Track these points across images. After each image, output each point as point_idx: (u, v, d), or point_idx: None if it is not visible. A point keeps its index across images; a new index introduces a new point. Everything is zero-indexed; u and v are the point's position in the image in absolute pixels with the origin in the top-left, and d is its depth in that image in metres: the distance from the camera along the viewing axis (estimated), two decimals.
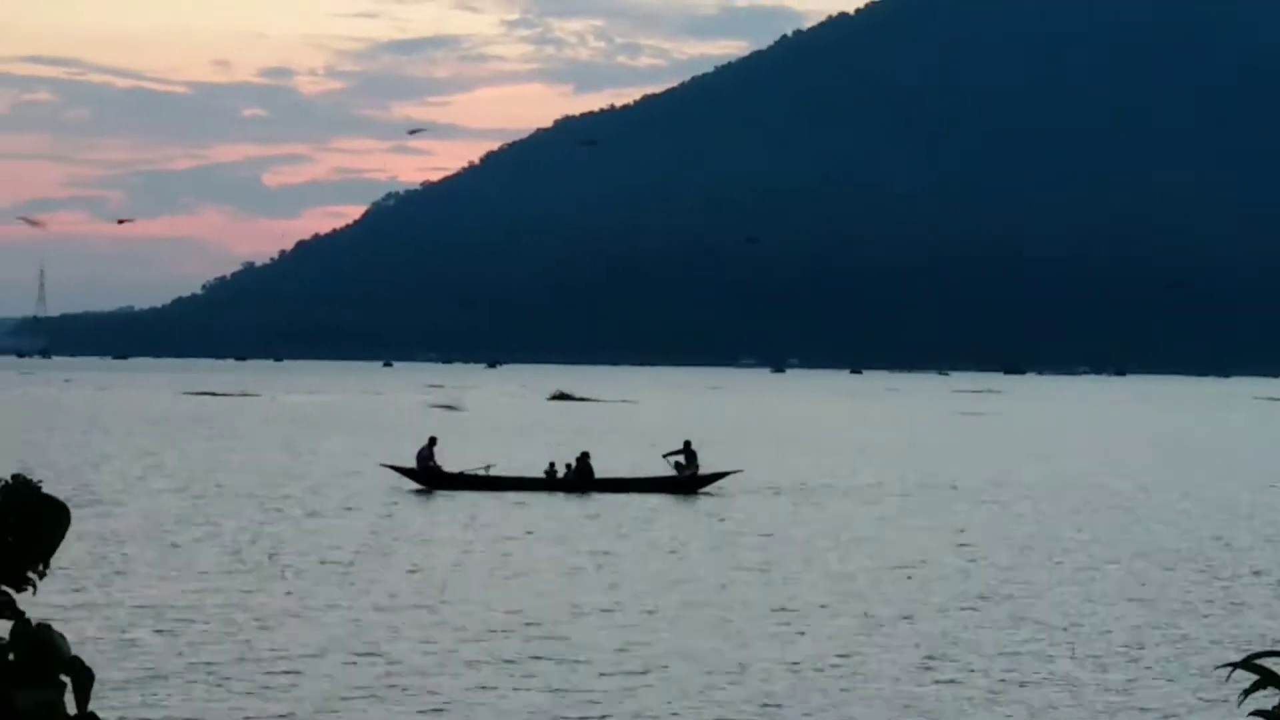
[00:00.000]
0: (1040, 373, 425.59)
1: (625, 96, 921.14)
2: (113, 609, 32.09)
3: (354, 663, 27.43)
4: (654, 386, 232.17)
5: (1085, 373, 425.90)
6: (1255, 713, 4.81)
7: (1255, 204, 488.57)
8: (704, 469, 60.56)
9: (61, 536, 3.70)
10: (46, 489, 3.73)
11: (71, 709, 3.65)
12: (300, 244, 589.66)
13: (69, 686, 3.65)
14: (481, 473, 59.55)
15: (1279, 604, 36.13)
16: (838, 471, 72.79)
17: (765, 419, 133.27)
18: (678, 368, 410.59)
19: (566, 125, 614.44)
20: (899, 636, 30.71)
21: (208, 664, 27.04)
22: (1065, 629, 31.98)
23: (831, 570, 40.10)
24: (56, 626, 3.70)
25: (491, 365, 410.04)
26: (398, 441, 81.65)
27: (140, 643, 28.75)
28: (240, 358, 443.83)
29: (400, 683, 25.95)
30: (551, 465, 60.51)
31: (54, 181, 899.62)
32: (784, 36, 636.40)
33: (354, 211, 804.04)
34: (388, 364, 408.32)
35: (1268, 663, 4.77)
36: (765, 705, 24.91)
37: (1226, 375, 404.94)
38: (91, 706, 3.65)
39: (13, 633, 3.64)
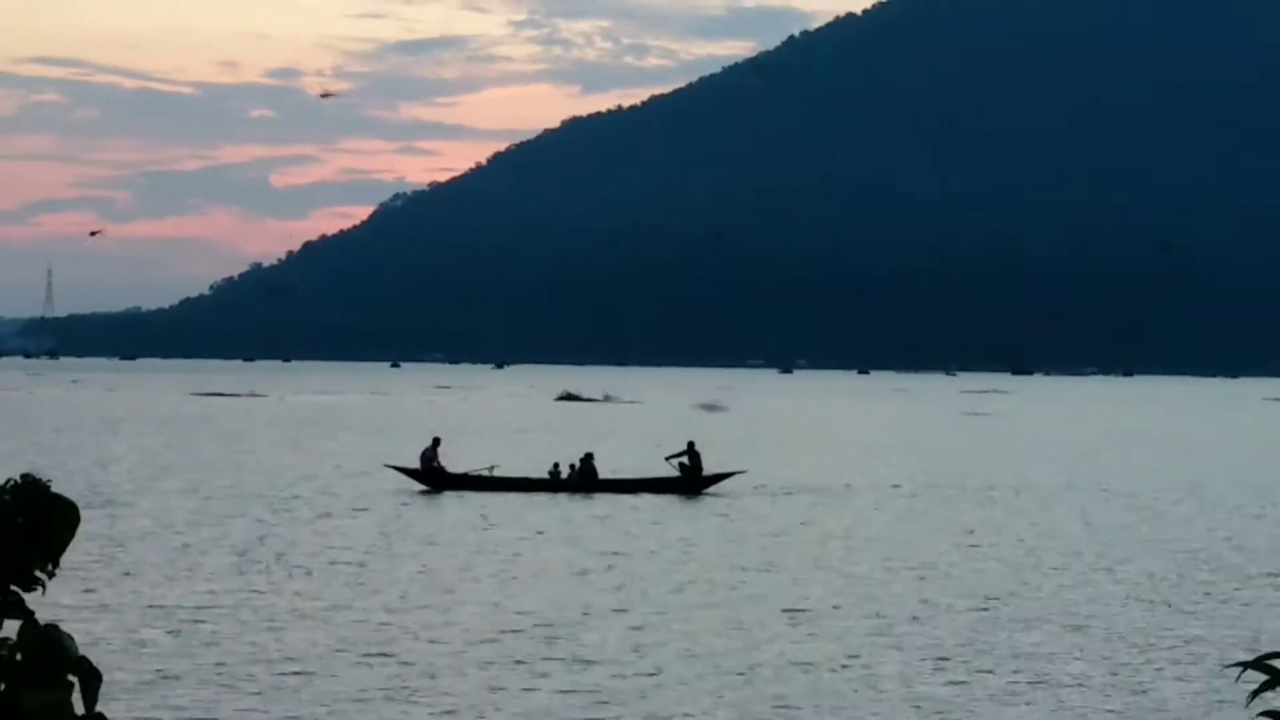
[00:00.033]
0: (1047, 373, 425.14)
1: (633, 97, 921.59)
2: (122, 609, 32.10)
3: (364, 663, 27.43)
4: (660, 386, 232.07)
5: (1093, 373, 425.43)
6: (1265, 713, 4.81)
7: (1255, 204, 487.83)
8: (708, 470, 60.57)
9: (71, 536, 3.69)
10: (55, 490, 3.72)
11: (80, 709, 3.64)
12: (308, 245, 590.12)
13: (76, 687, 3.64)
14: (485, 473, 59.56)
15: None
16: (846, 472, 72.75)
17: (769, 419, 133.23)
18: (685, 368, 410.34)
19: (574, 126, 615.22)
20: (910, 637, 30.70)
21: (217, 665, 27.03)
22: (1075, 629, 31.96)
23: (841, 571, 40.09)
24: (65, 627, 3.69)
25: (499, 366, 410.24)
26: (404, 442, 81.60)
27: (149, 643, 28.75)
28: (248, 358, 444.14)
29: (411, 684, 25.94)
30: (555, 466, 60.52)
31: (61, 182, 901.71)
32: (791, 37, 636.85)
33: (361, 212, 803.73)
34: (395, 364, 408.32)
35: (1278, 663, 4.76)
36: (776, 706, 24.89)
37: (1234, 376, 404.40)
38: (100, 707, 3.65)
39: (21, 633, 3.63)
